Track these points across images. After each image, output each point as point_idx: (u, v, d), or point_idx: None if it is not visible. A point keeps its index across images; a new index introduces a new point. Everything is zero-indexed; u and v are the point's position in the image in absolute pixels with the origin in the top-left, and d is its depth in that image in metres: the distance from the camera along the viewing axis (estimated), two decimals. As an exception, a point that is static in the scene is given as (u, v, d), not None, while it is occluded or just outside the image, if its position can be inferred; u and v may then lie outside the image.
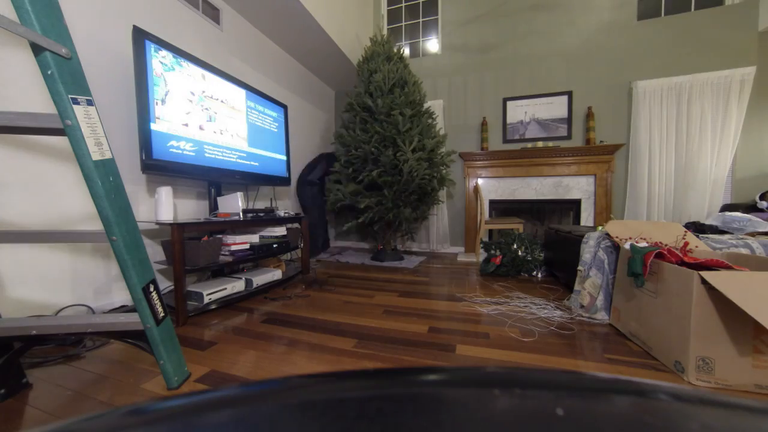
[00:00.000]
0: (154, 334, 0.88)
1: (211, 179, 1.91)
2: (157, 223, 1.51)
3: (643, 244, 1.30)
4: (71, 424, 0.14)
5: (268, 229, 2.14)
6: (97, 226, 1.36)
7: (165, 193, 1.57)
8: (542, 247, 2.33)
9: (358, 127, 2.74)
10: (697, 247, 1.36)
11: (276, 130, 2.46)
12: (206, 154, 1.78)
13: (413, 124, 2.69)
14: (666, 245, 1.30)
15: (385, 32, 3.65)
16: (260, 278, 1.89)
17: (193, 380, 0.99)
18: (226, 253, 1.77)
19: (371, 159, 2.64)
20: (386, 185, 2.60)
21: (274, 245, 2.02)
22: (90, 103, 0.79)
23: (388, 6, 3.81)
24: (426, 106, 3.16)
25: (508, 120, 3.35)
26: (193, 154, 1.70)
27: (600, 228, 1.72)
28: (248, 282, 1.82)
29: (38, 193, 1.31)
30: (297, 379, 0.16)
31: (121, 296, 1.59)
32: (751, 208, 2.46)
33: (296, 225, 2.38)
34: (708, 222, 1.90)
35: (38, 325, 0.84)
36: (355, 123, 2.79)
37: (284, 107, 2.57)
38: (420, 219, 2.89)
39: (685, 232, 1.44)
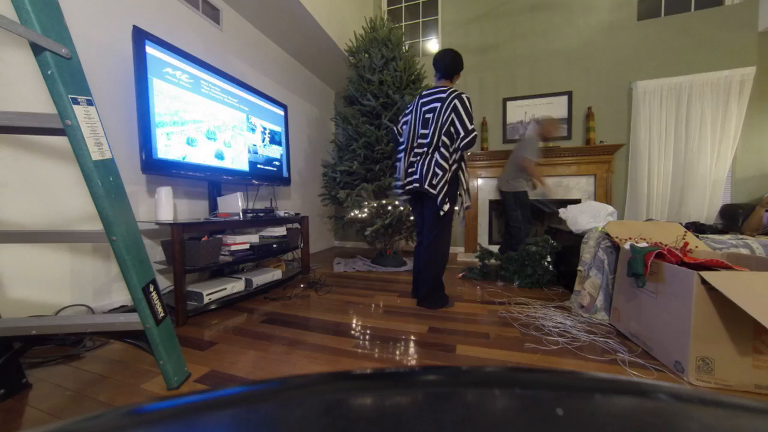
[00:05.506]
0: (154, 334, 0.88)
1: (211, 179, 1.91)
2: (157, 223, 1.51)
3: (643, 244, 1.30)
4: (71, 424, 0.14)
5: (268, 229, 2.14)
6: (97, 226, 1.36)
7: (165, 193, 1.57)
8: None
9: (363, 122, 2.59)
10: (697, 247, 1.36)
11: (276, 129, 2.46)
12: (205, 154, 1.78)
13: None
14: (666, 245, 1.30)
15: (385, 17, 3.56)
16: (260, 278, 1.89)
17: (193, 380, 0.99)
18: (226, 253, 1.77)
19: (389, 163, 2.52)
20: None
21: (274, 245, 2.02)
22: (90, 103, 0.79)
23: (388, 6, 3.81)
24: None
25: (508, 120, 3.36)
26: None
27: (600, 228, 1.72)
28: (248, 282, 1.82)
29: (38, 193, 1.31)
30: (297, 379, 0.16)
31: (121, 296, 1.59)
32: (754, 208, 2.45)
33: (296, 225, 2.38)
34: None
35: (38, 325, 0.84)
36: (357, 119, 2.63)
37: (284, 107, 2.57)
38: None
39: (685, 232, 1.44)
